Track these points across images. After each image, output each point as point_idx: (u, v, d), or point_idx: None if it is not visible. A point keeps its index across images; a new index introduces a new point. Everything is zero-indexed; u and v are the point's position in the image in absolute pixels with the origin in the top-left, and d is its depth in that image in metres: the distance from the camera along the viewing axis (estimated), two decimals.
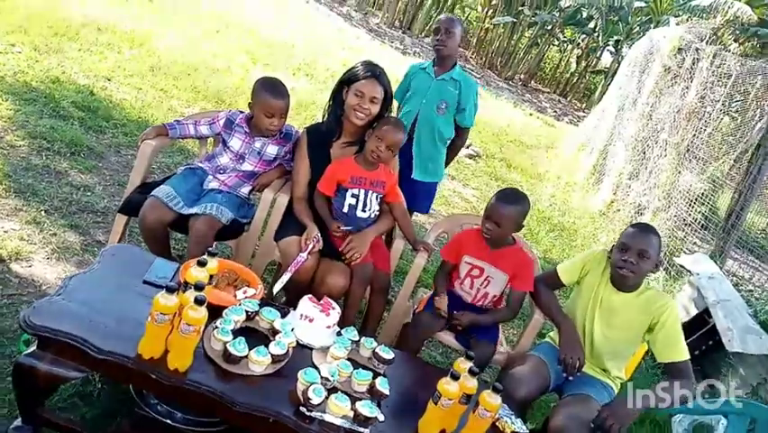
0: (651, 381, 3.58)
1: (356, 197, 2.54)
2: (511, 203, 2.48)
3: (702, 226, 5.28)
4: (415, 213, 3.48)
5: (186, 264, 2.06)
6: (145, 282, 2.03)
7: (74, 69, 4.94)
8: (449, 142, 3.31)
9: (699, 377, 4.11)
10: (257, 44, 8.44)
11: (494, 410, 1.83)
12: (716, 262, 4.62)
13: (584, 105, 16.67)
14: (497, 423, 2.00)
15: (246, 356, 1.81)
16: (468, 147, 7.91)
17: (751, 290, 4.24)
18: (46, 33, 5.34)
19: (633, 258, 2.30)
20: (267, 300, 2.21)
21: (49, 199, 3.14)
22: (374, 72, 2.53)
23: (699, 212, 5.37)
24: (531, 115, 13.42)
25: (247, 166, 2.68)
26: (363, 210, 2.56)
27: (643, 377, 3.53)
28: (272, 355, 1.84)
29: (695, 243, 5.44)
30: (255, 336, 1.98)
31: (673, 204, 5.69)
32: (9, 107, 3.84)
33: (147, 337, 1.71)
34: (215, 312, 1.93)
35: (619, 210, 6.65)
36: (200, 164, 2.72)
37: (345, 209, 2.55)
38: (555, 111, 15.27)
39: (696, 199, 5.39)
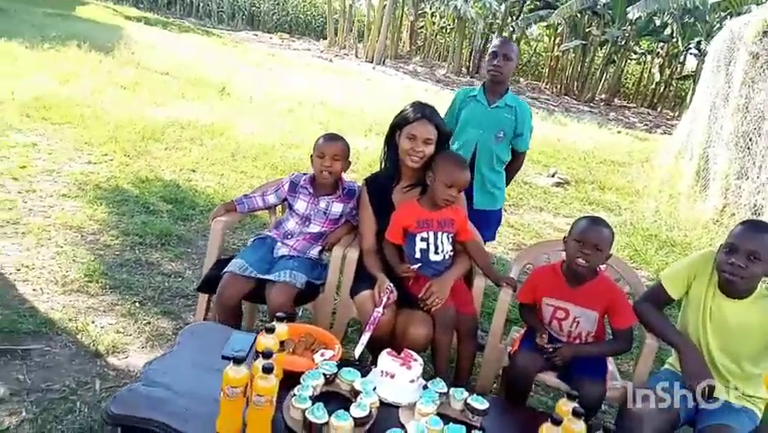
0: None
1: (426, 240, 2.43)
2: (604, 225, 2.25)
3: None
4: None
5: (260, 335, 2.02)
6: (223, 357, 2.00)
7: (161, 166, 5.29)
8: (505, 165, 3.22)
9: None
10: (328, 114, 8.77)
11: None
12: None
13: (677, 113, 15.74)
14: None
15: (327, 423, 1.70)
16: (553, 176, 7.61)
17: None
18: (134, 139, 5.81)
19: (741, 261, 2.00)
20: (348, 361, 2.11)
21: (142, 291, 3.27)
22: (424, 113, 2.46)
23: None
24: (619, 132, 12.82)
25: (314, 227, 2.66)
26: (436, 253, 2.44)
27: None
28: (355, 419, 1.72)
29: None
30: (336, 399, 1.87)
31: None
32: (103, 210, 4.14)
33: (223, 414, 1.65)
34: (294, 380, 1.86)
35: (734, 214, 6.03)
36: (269, 233, 2.73)
37: (417, 255, 2.44)
38: (646, 124, 14.51)
39: None
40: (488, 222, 3.19)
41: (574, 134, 10.92)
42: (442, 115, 3.09)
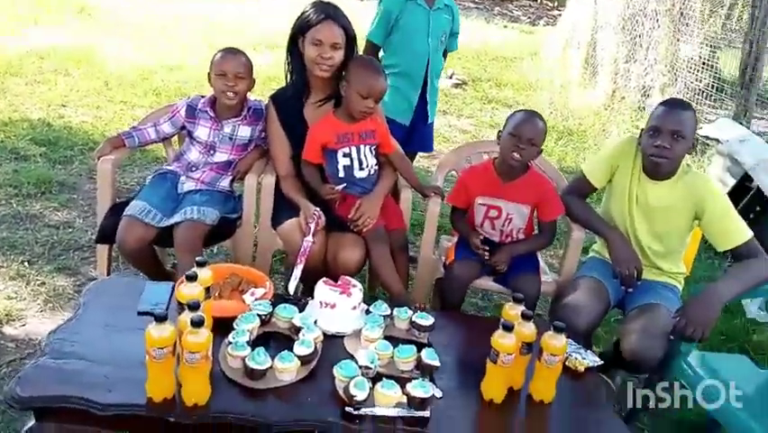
0: (713, 269, 3.34)
1: (348, 156, 2.26)
2: (539, 119, 2.18)
3: (718, 90, 4.93)
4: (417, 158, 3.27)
5: (178, 283, 1.81)
6: (140, 314, 1.79)
7: (25, 104, 4.63)
8: None
9: None
10: (208, 29, 8.00)
11: (561, 353, 1.59)
12: (741, 123, 4.30)
13: (555, 3, 15.97)
14: (566, 363, 1.77)
15: (271, 367, 1.57)
16: (451, 77, 7.53)
17: None
18: None
19: (666, 142, 2.01)
20: (281, 297, 1.96)
21: (29, 248, 2.89)
22: (328, 12, 2.20)
23: (710, 75, 5.02)
24: (506, 27, 12.84)
25: (220, 156, 2.40)
26: (361, 168, 2.28)
27: (704, 267, 3.28)
28: (299, 358, 1.60)
29: (712, 111, 5.10)
30: (276, 340, 1.74)
31: (680, 76, 5.33)
32: None
33: (151, 378, 1.47)
34: (225, 327, 1.70)
35: (624, 97, 6.28)
36: (169, 167, 2.43)
37: (341, 173, 2.27)
38: (529, 17, 14.64)
39: (704, 64, 5.02)
40: (431, 134, 3.13)
41: (464, 33, 10.79)
42: (372, 26, 2.88)
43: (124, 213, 2.17)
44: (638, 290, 2.15)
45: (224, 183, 2.41)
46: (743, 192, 3.75)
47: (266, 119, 2.39)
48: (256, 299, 1.85)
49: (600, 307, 2.10)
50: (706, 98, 5.03)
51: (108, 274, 2.40)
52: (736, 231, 2.04)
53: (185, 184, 2.36)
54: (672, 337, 1.95)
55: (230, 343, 1.62)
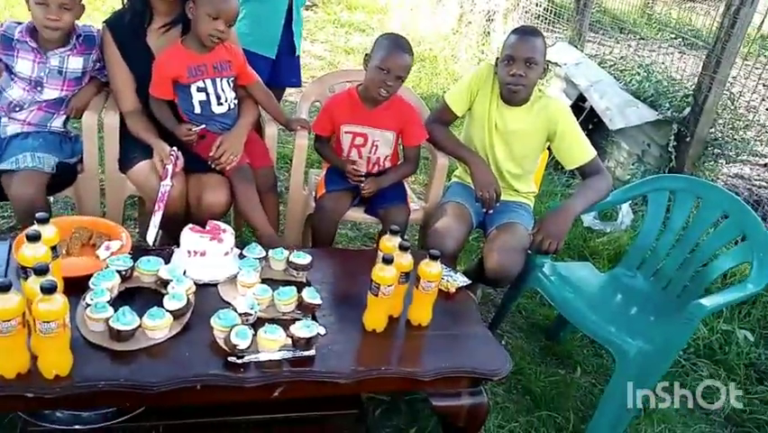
0: (560, 185, 3.65)
1: (204, 90, 2.07)
2: (406, 50, 2.13)
3: (555, 15, 5.24)
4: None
5: (17, 242, 1.59)
6: None
7: None
8: None
9: None
10: None
11: (437, 279, 1.65)
12: (576, 47, 4.63)
13: None
14: (439, 286, 1.85)
15: (139, 326, 1.45)
16: None
17: (614, 65, 4.31)
18: None
19: (521, 70, 2.10)
20: (142, 249, 1.81)
21: None
22: None
23: (548, 0, 5.30)
24: None
25: (50, 92, 2.07)
26: (219, 103, 2.11)
27: (546, 184, 3.57)
28: (171, 312, 1.50)
29: (550, 36, 5.41)
30: (142, 296, 1.61)
31: (521, 0, 5.57)
32: None
33: (1, 354, 1.30)
34: (81, 286, 1.53)
35: (470, 23, 6.45)
36: None
37: (197, 109, 2.08)
38: None
39: None
40: (299, 67, 2.91)
41: None
42: None
43: None
44: (497, 210, 2.29)
45: (57, 123, 2.11)
46: (578, 112, 4.09)
47: (101, 48, 2.10)
48: (112, 254, 1.68)
49: (465, 229, 2.21)
50: (543, 22, 5.32)
51: None
52: (583, 151, 2.22)
53: (8, 127, 2.03)
54: (529, 252, 2.11)
55: (88, 305, 1.47)
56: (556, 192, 3.61)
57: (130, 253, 1.68)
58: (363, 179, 2.20)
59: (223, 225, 1.77)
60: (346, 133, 2.24)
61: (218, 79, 2.09)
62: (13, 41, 2.01)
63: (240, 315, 1.52)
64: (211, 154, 2.03)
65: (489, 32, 6.10)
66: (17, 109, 2.06)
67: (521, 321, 2.58)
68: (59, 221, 1.71)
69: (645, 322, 2.05)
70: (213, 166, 2.04)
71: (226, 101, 2.12)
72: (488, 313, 2.53)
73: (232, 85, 2.15)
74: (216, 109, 2.10)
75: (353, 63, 5.73)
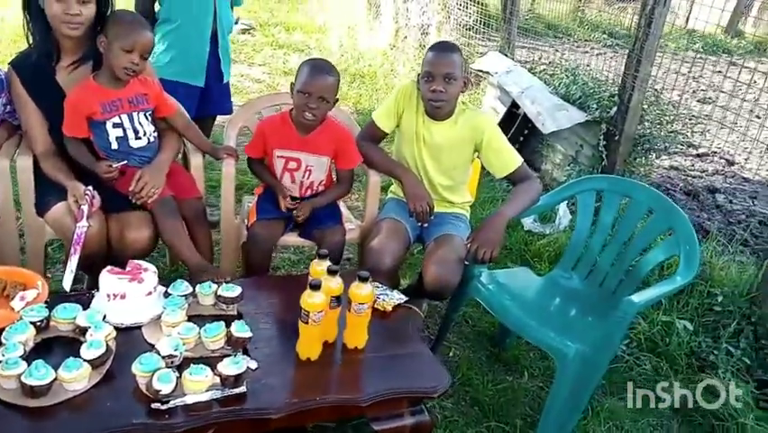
0: (501, 191, 3.67)
1: (120, 125, 2.01)
2: (328, 72, 2.11)
3: (484, 25, 5.35)
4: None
5: None
6: None
7: None
8: None
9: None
10: None
11: (369, 300, 1.63)
12: (506, 55, 4.72)
13: None
14: (375, 305, 1.83)
15: (55, 379, 1.38)
16: (236, 23, 7.14)
17: (544, 70, 4.42)
18: None
19: (440, 86, 2.12)
20: (59, 295, 1.72)
21: None
22: None
23: (478, 11, 5.41)
24: None
25: None
26: (138, 138, 2.05)
27: (487, 189, 3.61)
28: (89, 362, 1.43)
29: (483, 44, 5.52)
30: (60, 346, 1.54)
31: (452, 13, 5.66)
32: None
33: None
34: None
35: (406, 37, 6.53)
36: None
37: (114, 145, 2.02)
38: None
39: (472, 1, 5.39)
40: (229, 94, 2.90)
41: None
42: None
43: None
44: (432, 223, 2.29)
45: None
46: (513, 118, 4.17)
47: (9, 90, 2.02)
48: (27, 304, 1.60)
49: (401, 245, 2.20)
50: (476, 33, 5.43)
51: None
52: (510, 159, 2.25)
53: None
54: (466, 263, 2.11)
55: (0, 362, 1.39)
56: (497, 198, 3.65)
57: (46, 302, 1.61)
58: (297, 204, 2.17)
59: (144, 264, 1.71)
60: (279, 157, 2.21)
61: (135, 113, 2.03)
62: None
63: (163, 357, 1.46)
64: (131, 189, 1.96)
65: (424, 45, 6.17)
66: None
67: (468, 331, 2.58)
68: None
69: (583, 323, 2.07)
70: (134, 201, 1.98)
71: (145, 135, 2.06)
72: (434, 326, 2.52)
73: (150, 118, 2.09)
74: (135, 144, 2.04)
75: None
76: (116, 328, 1.57)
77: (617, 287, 2.18)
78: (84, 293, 1.74)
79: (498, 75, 4.33)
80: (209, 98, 2.76)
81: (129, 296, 1.62)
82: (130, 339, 1.59)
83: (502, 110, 4.29)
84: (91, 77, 2.00)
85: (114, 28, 1.92)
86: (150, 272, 1.68)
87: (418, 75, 2.22)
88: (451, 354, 2.43)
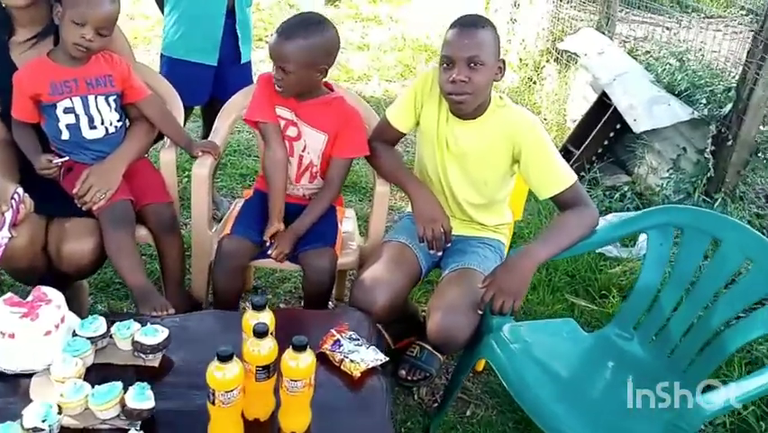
0: (547, 217, 3.00)
1: (72, 110, 1.70)
2: (292, 37, 1.68)
3: None
4: None
5: None
6: None
7: None
8: None
9: (616, 168, 3.66)
10: None
11: (306, 376, 1.19)
12: (603, 32, 3.99)
13: None
14: (342, 366, 1.40)
15: None
16: None
17: (648, 52, 3.66)
18: None
19: (463, 74, 1.59)
20: None
21: None
22: None
23: None
24: None
25: None
26: (92, 127, 1.73)
27: (537, 215, 2.95)
28: None
29: (580, 18, 4.76)
30: None
31: None
32: None
33: None
34: None
35: (497, 10, 5.85)
36: None
37: (65, 135, 1.72)
38: None
39: None
40: (250, 77, 2.53)
41: None
42: None
43: None
44: (453, 249, 1.81)
45: None
46: (604, 109, 3.48)
47: None
48: None
49: (405, 278, 1.74)
50: (576, 6, 4.68)
51: None
52: (556, 176, 1.69)
53: None
54: (479, 312, 1.62)
55: None
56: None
57: None
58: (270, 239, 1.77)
59: (50, 294, 1.38)
60: (280, 117, 1.82)
61: (91, 97, 1.71)
62: None
63: (26, 431, 1.12)
64: (75, 191, 1.65)
65: (515, 20, 5.50)
66: None
67: (496, 382, 2.06)
68: None
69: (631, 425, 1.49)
70: (78, 205, 1.66)
71: (102, 124, 1.74)
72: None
73: (114, 103, 1.76)
74: (88, 134, 1.72)
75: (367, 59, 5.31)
76: (3, 375, 1.26)
77: (691, 363, 1.59)
78: None
79: (588, 57, 3.64)
80: (224, 81, 2.40)
81: (18, 336, 1.30)
82: (15, 390, 1.28)
83: (593, 98, 3.62)
84: (48, 53, 1.70)
85: None
86: (53, 306, 1.35)
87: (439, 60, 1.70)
88: (468, 412, 1.94)
